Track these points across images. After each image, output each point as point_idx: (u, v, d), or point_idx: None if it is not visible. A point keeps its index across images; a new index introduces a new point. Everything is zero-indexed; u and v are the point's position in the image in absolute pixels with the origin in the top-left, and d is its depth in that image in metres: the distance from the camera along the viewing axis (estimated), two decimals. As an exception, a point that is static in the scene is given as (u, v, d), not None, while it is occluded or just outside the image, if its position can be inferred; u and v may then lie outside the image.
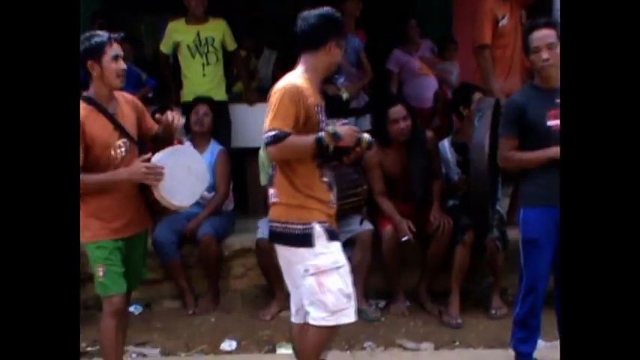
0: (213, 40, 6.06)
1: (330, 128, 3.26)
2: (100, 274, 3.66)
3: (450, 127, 6.29)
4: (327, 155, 3.31)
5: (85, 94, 3.63)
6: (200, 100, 5.63)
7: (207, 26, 6.07)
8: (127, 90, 4.01)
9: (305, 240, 3.32)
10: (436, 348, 4.54)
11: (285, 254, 3.46)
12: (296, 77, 3.32)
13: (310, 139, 3.26)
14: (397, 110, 5.02)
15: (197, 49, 6.05)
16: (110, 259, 3.66)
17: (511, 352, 4.07)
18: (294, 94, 3.23)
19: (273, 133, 3.20)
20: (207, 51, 6.06)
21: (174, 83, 6.30)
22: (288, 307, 4.91)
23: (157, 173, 3.57)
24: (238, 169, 6.00)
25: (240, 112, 6.32)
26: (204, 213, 5.29)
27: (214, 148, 5.51)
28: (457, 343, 4.60)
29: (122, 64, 3.62)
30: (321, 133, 3.27)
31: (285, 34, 3.56)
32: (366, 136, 3.38)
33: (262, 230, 4.90)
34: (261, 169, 5.07)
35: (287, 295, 5.00)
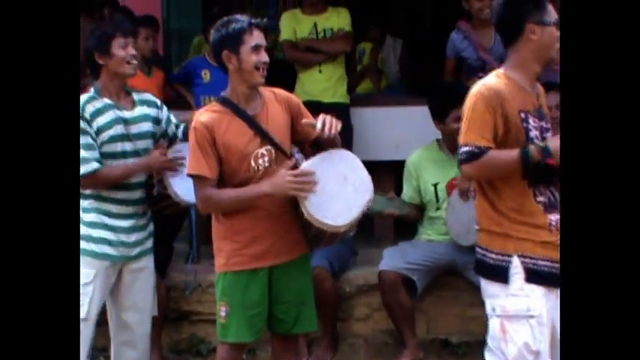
0: (332, 31, 5.64)
1: (540, 142, 2.99)
2: (222, 313, 3.37)
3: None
4: (538, 173, 3.01)
5: (222, 93, 3.41)
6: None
7: (325, 16, 5.69)
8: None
9: (498, 273, 3.05)
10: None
11: (482, 286, 3.21)
12: (494, 77, 3.07)
13: (514, 154, 2.97)
14: None
15: None
16: (237, 296, 3.34)
17: None
18: (491, 100, 2.97)
19: (466, 149, 2.99)
20: (326, 44, 5.71)
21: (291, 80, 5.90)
22: (422, 358, 4.64)
23: (306, 182, 3.20)
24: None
25: (365, 118, 5.87)
26: (318, 240, 4.71)
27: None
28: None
29: (264, 56, 3.32)
30: (530, 147, 2.96)
31: (414, 18, 2.93)
32: None
33: (387, 261, 4.59)
34: (405, 181, 4.72)
35: (420, 343, 4.64)
